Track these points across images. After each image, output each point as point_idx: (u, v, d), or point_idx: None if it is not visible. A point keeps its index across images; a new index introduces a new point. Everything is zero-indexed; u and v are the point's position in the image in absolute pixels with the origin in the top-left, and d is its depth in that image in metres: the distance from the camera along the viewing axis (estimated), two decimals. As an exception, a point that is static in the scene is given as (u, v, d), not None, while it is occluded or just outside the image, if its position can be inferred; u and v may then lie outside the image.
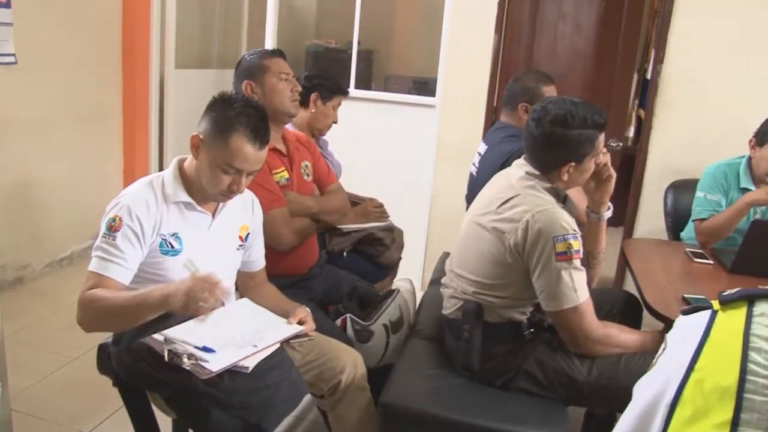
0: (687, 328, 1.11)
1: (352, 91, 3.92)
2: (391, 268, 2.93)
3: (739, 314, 1.06)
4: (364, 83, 4.95)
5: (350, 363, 2.06)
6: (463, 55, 3.88)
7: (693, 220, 2.95)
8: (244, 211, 2.05)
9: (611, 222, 4.14)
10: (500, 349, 2.04)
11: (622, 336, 2.00)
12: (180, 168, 1.91)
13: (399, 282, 2.68)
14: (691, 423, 1.01)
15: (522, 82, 2.85)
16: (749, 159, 2.91)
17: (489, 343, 2.03)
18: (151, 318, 1.70)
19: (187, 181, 1.89)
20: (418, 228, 4.04)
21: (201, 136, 1.82)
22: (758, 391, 0.97)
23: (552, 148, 1.99)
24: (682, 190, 3.30)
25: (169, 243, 1.83)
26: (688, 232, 3.08)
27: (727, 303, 1.08)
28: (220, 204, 1.94)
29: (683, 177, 3.40)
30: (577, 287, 1.89)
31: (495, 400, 2.00)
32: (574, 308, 1.90)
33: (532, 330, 2.06)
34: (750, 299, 1.07)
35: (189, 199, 1.87)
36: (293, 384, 1.83)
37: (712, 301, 1.11)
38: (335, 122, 2.99)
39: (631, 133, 5.53)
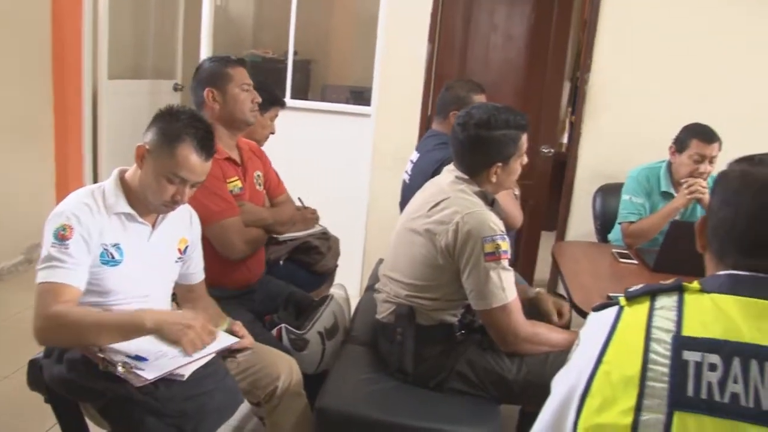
0: (597, 324, 1.17)
1: (289, 101, 3.93)
2: (327, 276, 2.95)
3: (642, 309, 1.12)
4: (301, 93, 4.97)
5: (285, 370, 2.09)
6: (398, 64, 3.94)
7: (619, 223, 3.07)
8: (182, 224, 2.05)
9: (546, 226, 4.28)
10: (432, 351, 2.08)
11: (550, 335, 2.07)
12: (121, 179, 1.91)
13: (333, 289, 2.71)
14: (600, 412, 1.07)
15: (453, 91, 2.92)
16: (669, 164, 3.05)
17: (421, 345, 2.08)
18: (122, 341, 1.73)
19: (128, 191, 1.88)
20: (355, 235, 4.07)
21: (147, 147, 1.83)
22: (658, 378, 1.03)
23: (478, 150, 2.07)
24: (609, 193, 3.43)
25: (110, 253, 1.82)
26: (615, 234, 3.20)
27: (632, 299, 1.15)
28: (160, 216, 1.94)
29: (611, 181, 3.52)
30: (505, 286, 1.96)
31: (428, 401, 2.04)
32: (503, 307, 1.96)
33: (463, 331, 2.11)
34: (652, 294, 1.14)
35: (130, 210, 1.87)
36: (228, 392, 1.85)
37: (619, 298, 1.17)
38: (272, 133, 3.00)
39: (565, 139, 5.69)
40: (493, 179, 2.10)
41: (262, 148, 3.03)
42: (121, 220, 1.86)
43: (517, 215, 2.65)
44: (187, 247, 2.05)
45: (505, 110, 2.09)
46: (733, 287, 1.12)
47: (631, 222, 2.99)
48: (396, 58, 3.94)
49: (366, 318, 2.47)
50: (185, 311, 1.83)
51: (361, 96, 4.70)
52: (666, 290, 1.14)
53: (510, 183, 2.20)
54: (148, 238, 1.92)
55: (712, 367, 1.03)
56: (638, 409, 1.03)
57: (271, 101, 2.95)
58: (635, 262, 2.75)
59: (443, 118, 2.91)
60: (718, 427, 1.00)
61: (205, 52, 4.27)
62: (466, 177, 2.10)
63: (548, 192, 4.20)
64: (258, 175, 2.56)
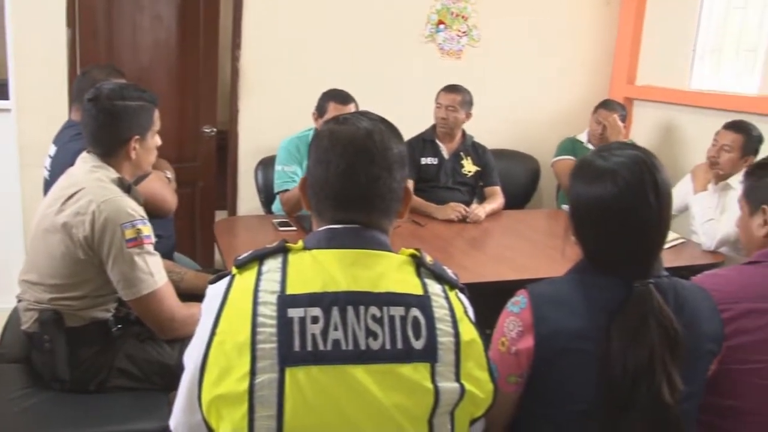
0: (212, 296, 1.18)
1: None
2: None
3: (251, 274, 1.16)
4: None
5: None
6: (35, 52, 3.60)
7: (276, 193, 3.18)
8: None
9: (220, 206, 4.27)
10: (88, 352, 1.98)
11: (207, 312, 2.08)
12: None
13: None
14: (218, 383, 1.09)
15: (90, 76, 2.75)
16: (316, 130, 3.22)
17: (75, 348, 1.97)
18: None
19: None
20: (11, 242, 3.70)
21: None
22: (267, 339, 1.07)
23: (114, 122, 2.01)
24: (268, 166, 3.53)
25: None
26: (277, 205, 3.31)
27: (241, 266, 1.18)
28: None
29: (271, 154, 3.62)
30: (153, 271, 1.92)
31: (90, 405, 1.95)
32: (153, 293, 1.92)
33: (119, 326, 2.04)
34: (260, 259, 1.18)
35: None
36: None
37: (232, 267, 1.20)
38: None
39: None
40: (133, 155, 2.05)
41: None
42: None
43: (170, 200, 2.60)
44: None
45: (135, 85, 2.09)
46: (329, 241, 1.20)
47: (287, 190, 3.11)
48: (32, 46, 3.60)
49: (18, 332, 2.26)
50: None
51: (2, 89, 4.24)
52: (272, 253, 1.19)
53: (149, 162, 2.17)
54: None
55: (315, 320, 1.09)
56: (253, 373, 1.06)
57: None
58: (294, 229, 2.88)
59: (80, 105, 2.73)
60: (325, 374, 1.07)
61: None
62: (101, 164, 2.02)
63: (216, 171, 4.18)
64: None
